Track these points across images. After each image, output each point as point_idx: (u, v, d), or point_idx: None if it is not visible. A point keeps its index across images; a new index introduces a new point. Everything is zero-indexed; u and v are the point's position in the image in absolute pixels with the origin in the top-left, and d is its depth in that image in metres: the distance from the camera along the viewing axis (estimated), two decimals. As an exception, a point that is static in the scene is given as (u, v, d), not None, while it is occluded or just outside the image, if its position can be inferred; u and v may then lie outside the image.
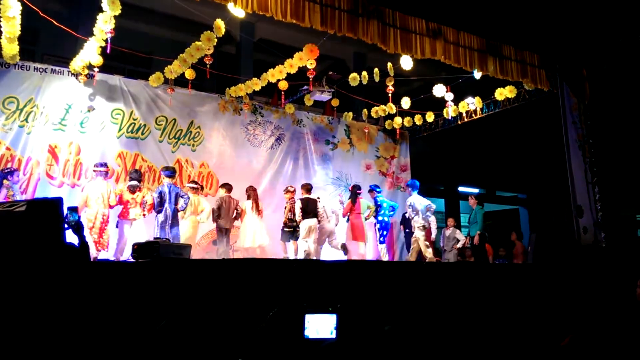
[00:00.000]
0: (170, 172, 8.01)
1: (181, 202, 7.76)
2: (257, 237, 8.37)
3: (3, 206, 3.32)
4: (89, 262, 2.85)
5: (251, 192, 8.67)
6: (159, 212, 7.59)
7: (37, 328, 2.31)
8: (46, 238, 2.51)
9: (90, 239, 7.11)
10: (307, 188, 8.81)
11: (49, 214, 2.55)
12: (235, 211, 8.35)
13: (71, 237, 3.09)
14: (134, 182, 7.71)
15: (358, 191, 9.10)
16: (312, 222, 8.38)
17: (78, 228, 2.85)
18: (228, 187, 8.47)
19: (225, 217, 8.20)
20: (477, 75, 8.53)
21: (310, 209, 8.46)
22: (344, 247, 8.96)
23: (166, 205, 7.59)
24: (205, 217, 8.36)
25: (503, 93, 9.65)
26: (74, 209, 2.81)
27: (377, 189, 9.64)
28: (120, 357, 2.82)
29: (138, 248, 4.95)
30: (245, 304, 4.11)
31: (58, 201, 2.68)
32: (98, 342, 2.47)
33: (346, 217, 9.14)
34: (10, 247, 2.47)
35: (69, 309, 2.41)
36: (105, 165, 7.84)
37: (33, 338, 2.28)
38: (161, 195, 7.62)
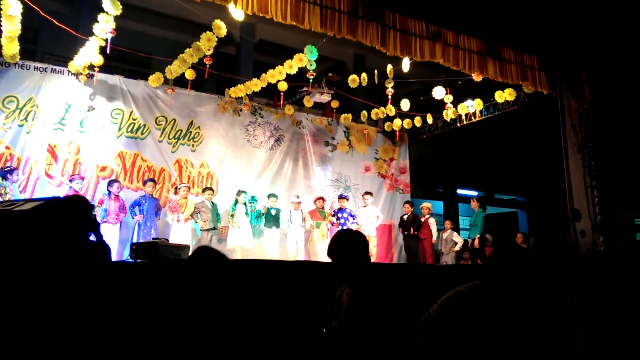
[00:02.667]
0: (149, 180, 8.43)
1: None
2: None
3: (2, 205, 3.33)
4: (109, 261, 2.83)
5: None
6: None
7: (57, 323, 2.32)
8: (70, 236, 2.50)
9: None
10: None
11: (78, 211, 2.54)
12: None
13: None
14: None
15: None
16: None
17: (95, 226, 2.83)
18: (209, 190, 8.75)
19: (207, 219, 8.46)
20: (477, 77, 8.54)
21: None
22: None
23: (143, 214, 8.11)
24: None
25: (502, 96, 9.67)
26: (92, 207, 2.79)
27: (346, 198, 9.98)
28: (119, 357, 2.82)
29: (137, 248, 4.95)
30: (245, 304, 4.11)
31: (84, 199, 2.66)
32: (99, 341, 2.47)
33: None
34: (14, 246, 2.47)
35: (86, 308, 2.41)
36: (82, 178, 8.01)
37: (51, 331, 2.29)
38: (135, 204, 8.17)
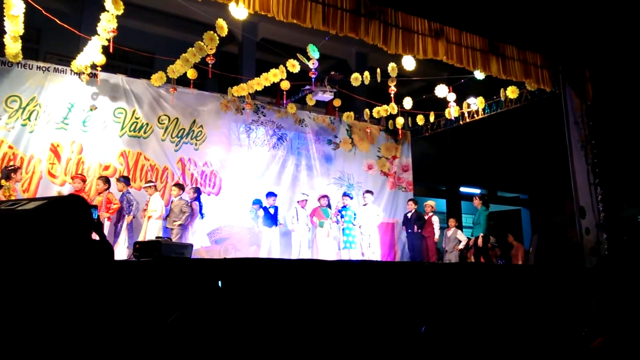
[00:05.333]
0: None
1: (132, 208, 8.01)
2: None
3: (6, 204, 3.33)
4: (113, 260, 2.84)
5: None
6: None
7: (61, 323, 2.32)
8: (75, 235, 2.50)
9: None
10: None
11: (76, 211, 2.54)
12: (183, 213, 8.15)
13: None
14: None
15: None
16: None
17: (98, 226, 2.84)
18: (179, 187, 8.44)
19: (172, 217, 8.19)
20: (480, 75, 8.52)
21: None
22: None
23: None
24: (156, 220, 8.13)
25: (505, 94, 9.65)
26: (93, 207, 2.81)
27: (350, 196, 9.98)
28: (123, 356, 2.83)
29: (140, 247, 4.96)
30: (247, 303, 4.11)
31: (82, 198, 2.67)
32: (103, 340, 2.48)
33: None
34: (17, 246, 2.47)
35: (90, 307, 2.42)
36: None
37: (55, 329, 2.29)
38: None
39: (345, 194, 9.88)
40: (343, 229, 9.51)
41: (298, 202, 9.52)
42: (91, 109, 8.48)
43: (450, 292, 5.34)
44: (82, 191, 7.75)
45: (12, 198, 6.77)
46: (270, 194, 9.38)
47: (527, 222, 16.94)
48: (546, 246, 7.48)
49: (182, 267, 4.46)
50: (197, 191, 8.57)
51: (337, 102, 10.22)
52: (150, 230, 7.94)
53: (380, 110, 10.57)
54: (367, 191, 10.27)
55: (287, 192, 10.01)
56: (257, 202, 9.26)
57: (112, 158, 8.60)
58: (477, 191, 15.37)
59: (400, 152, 11.98)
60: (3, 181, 6.95)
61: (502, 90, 9.66)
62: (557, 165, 9.62)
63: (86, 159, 8.36)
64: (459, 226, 11.89)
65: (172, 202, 8.29)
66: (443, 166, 15.03)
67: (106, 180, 7.91)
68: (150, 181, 8.55)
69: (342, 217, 9.54)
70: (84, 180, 7.82)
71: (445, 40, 7.60)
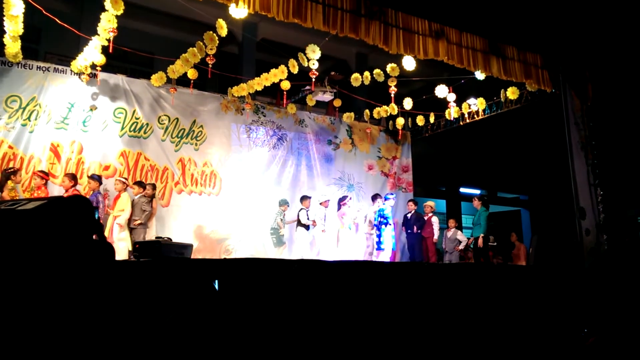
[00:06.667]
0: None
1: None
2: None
3: (6, 204, 3.32)
4: (114, 260, 2.84)
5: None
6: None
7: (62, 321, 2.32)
8: (75, 235, 2.50)
9: None
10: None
11: (77, 211, 2.53)
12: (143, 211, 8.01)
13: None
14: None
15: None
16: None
17: (99, 227, 2.85)
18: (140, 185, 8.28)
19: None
20: (480, 76, 8.52)
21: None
22: None
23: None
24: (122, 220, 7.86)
25: (506, 94, 9.65)
26: (94, 208, 2.81)
27: (385, 197, 10.12)
28: (123, 355, 2.82)
29: (140, 247, 4.96)
30: (248, 303, 4.11)
31: (85, 199, 2.67)
32: (103, 339, 2.47)
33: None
34: (17, 246, 2.46)
35: (90, 307, 2.41)
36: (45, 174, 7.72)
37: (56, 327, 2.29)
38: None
39: (389, 197, 10.06)
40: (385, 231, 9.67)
41: (320, 203, 9.63)
42: (91, 109, 8.48)
43: (450, 293, 5.33)
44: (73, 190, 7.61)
45: (17, 198, 6.78)
46: (307, 197, 9.57)
47: (527, 223, 16.93)
48: (546, 247, 7.48)
49: (182, 267, 4.46)
50: (155, 188, 8.53)
51: (338, 103, 10.22)
52: (116, 231, 7.76)
53: (380, 111, 10.56)
54: (377, 194, 10.33)
55: (288, 193, 10.01)
56: (285, 202, 9.55)
57: (112, 158, 8.59)
58: (477, 192, 15.39)
59: (401, 152, 11.98)
60: (9, 181, 6.97)
61: (502, 91, 9.66)
62: (557, 166, 9.61)
63: (86, 159, 8.36)
64: (459, 227, 11.89)
65: (132, 200, 8.08)
66: (443, 167, 15.02)
67: (72, 177, 7.75)
68: (123, 177, 8.32)
69: (385, 218, 9.69)
70: (45, 178, 7.60)
71: (445, 40, 7.60)
